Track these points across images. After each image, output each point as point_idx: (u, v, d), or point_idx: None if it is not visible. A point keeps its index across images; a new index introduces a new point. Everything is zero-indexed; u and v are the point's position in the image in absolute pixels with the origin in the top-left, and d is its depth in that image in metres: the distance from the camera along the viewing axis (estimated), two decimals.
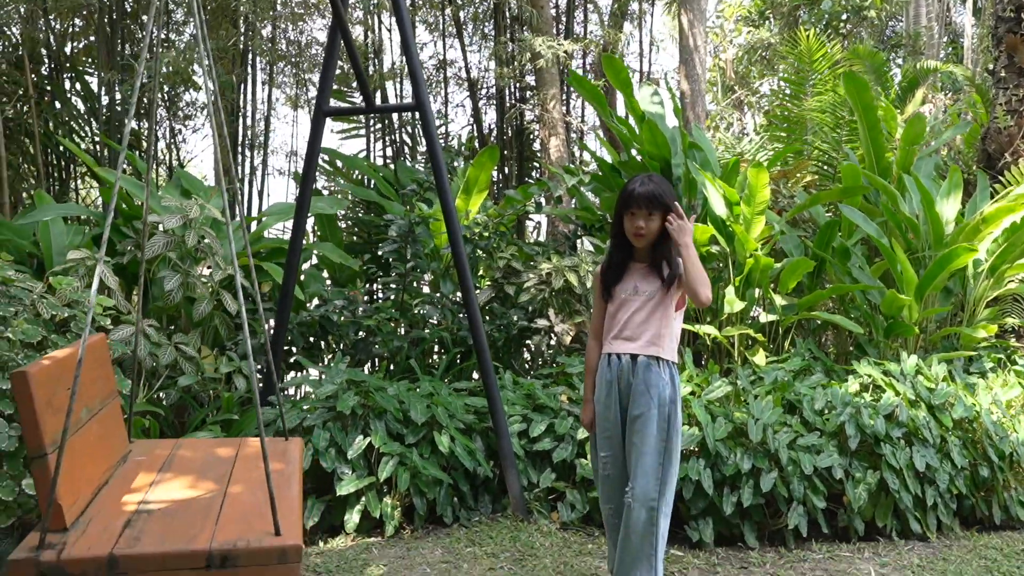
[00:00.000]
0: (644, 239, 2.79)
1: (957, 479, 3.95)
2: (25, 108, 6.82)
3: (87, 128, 7.44)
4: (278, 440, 3.30)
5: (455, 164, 5.84)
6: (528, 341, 5.47)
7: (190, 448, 3.10)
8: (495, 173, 8.72)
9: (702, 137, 6.04)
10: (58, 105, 7.27)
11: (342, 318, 5.05)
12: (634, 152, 6.04)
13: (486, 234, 5.42)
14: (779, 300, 5.19)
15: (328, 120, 4.60)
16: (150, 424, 4.09)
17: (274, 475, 2.76)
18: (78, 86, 7.50)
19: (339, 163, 7.71)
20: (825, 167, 7.04)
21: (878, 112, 5.94)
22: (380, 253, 5.34)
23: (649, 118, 5.89)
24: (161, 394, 4.54)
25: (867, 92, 5.88)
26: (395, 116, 8.33)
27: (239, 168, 7.77)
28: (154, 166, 7.99)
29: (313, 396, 3.95)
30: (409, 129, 8.53)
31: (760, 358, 4.92)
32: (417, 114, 4.22)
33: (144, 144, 7.47)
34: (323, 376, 4.35)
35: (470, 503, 4.00)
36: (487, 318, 5.44)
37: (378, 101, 7.98)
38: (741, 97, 12.31)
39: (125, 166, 6.61)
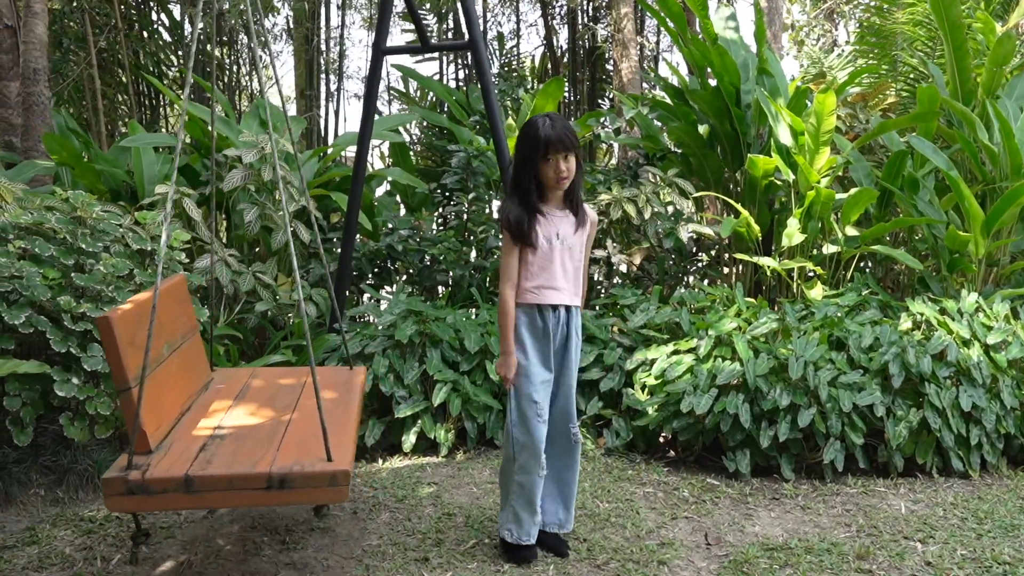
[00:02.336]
0: (568, 181, 2.73)
1: (1006, 419, 3.95)
2: (116, 39, 7.17)
3: (173, 58, 7.78)
4: (342, 369, 3.60)
5: (517, 94, 5.88)
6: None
7: (263, 377, 3.42)
8: (567, 94, 8.67)
9: (773, 60, 5.88)
10: (145, 36, 7.60)
11: (408, 246, 5.28)
12: (707, 78, 5.94)
13: None
14: (840, 232, 5.14)
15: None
16: (230, 348, 4.46)
17: (333, 403, 3.07)
18: (163, 17, 7.80)
19: (413, 86, 7.85)
20: (914, 87, 6.72)
21: (972, 25, 5.59)
22: (444, 183, 5.51)
23: (720, 43, 5.77)
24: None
25: (954, 6, 5.56)
26: (467, 36, 8.33)
27: (316, 94, 7.99)
28: (233, 93, 8.29)
29: (375, 325, 4.22)
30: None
31: (817, 292, 4.92)
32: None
33: (227, 74, 7.77)
34: (385, 305, 4.62)
35: None
36: None
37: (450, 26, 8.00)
38: (832, 5, 11.68)
39: (206, 96, 6.90)
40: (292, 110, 8.56)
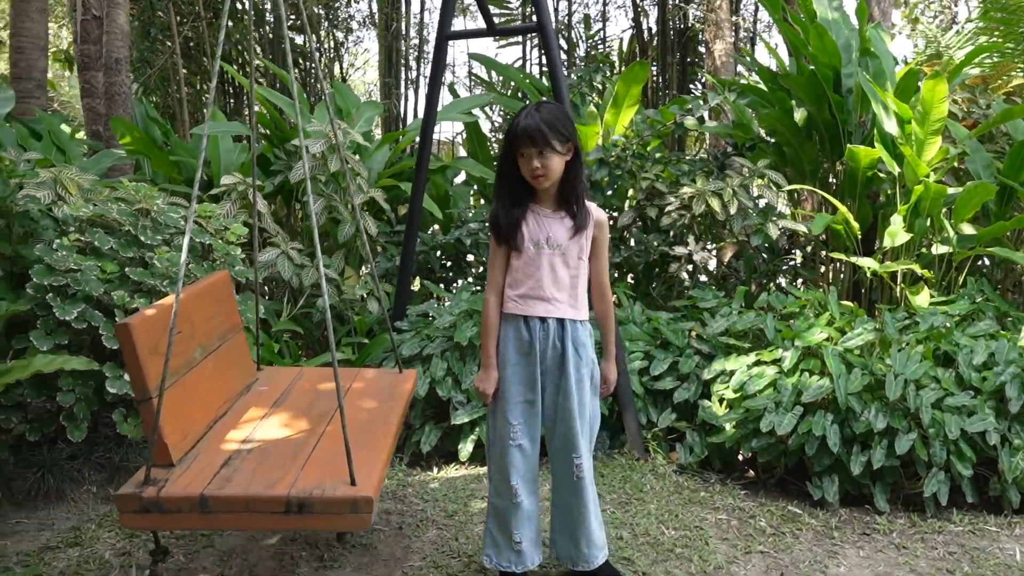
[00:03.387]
0: (546, 179, 2.42)
1: None
2: (200, 28, 7.22)
3: (257, 47, 7.78)
4: (391, 372, 3.40)
5: (596, 79, 5.56)
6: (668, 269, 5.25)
7: (308, 379, 3.26)
8: (656, 78, 8.27)
9: (877, 40, 5.35)
10: (229, 24, 7.64)
11: (477, 240, 5.07)
12: (805, 61, 5.47)
13: (624, 154, 5.17)
14: (952, 231, 4.62)
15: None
16: (289, 344, 4.35)
17: (371, 414, 2.87)
18: (247, 4, 7.82)
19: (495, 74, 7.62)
20: None
21: None
22: None
23: (820, 22, 5.29)
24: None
25: None
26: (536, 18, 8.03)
27: (395, 82, 7.87)
28: (316, 81, 8.25)
29: (434, 325, 4.02)
30: (567, 34, 8.22)
31: (923, 298, 4.43)
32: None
33: (308, 61, 7.74)
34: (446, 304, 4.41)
35: None
36: (629, 243, 5.27)
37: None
38: None
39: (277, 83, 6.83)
40: (377, 99, 8.49)
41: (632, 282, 5.38)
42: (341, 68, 8.64)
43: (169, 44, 6.81)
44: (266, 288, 5.10)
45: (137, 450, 3.58)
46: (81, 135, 6.90)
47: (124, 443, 3.58)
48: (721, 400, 3.83)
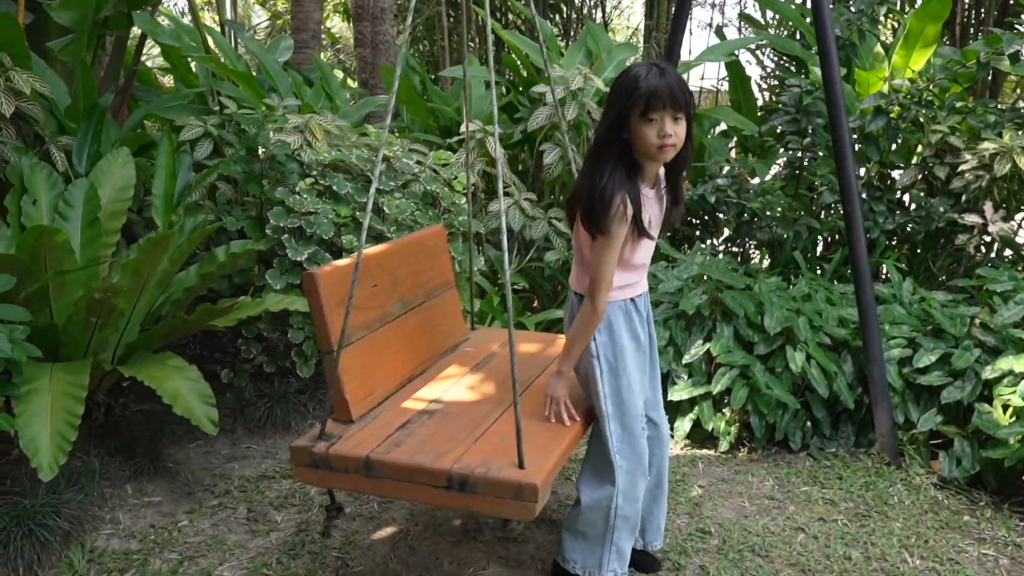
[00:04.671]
0: (675, 150, 2.07)
1: None
2: None
3: None
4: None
5: (880, 13, 4.73)
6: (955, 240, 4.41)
7: (518, 342, 3.08)
8: (967, 12, 7.00)
9: None
10: None
11: (723, 197, 4.60)
12: None
13: (909, 101, 4.37)
14: None
15: None
16: (514, 300, 4.24)
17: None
18: None
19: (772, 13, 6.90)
20: None
21: None
22: (774, 123, 4.68)
23: None
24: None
25: None
26: None
27: (655, 24, 7.42)
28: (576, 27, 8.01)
29: (659, 289, 3.69)
30: None
31: None
32: None
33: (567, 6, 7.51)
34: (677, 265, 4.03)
35: (825, 431, 3.46)
36: (907, 208, 4.51)
37: None
38: None
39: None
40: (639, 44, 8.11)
41: (905, 254, 4.61)
42: (603, 12, 8.33)
43: None
44: (483, 240, 5.03)
45: None
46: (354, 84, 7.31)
47: None
48: (1006, 407, 3.12)
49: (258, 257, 3.77)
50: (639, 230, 2.09)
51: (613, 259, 2.11)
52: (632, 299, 2.28)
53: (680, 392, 3.43)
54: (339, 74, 6.13)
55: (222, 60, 4.91)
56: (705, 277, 3.75)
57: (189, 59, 4.89)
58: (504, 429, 2.28)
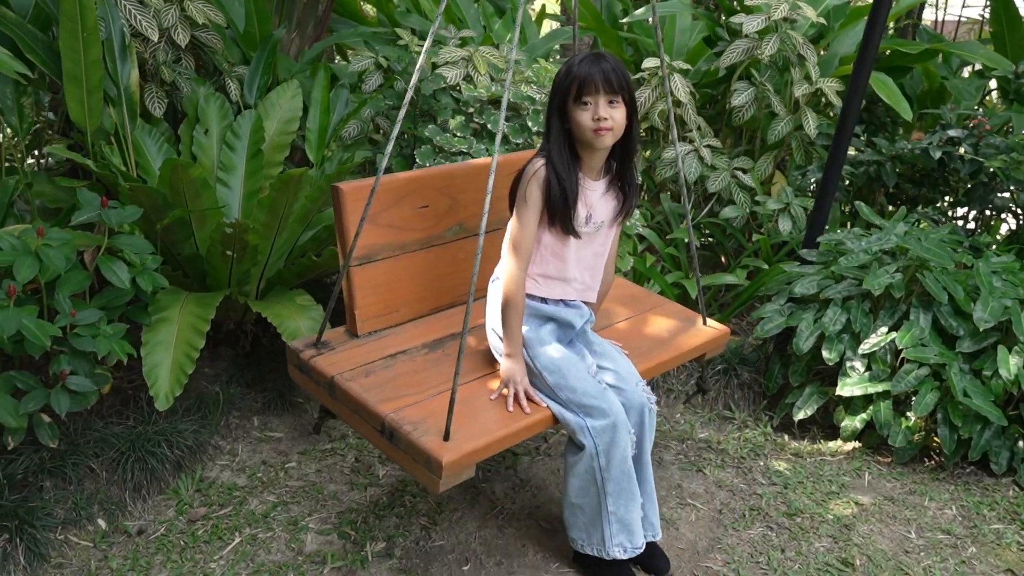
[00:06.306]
0: (611, 135, 2.01)
1: None
2: None
3: None
4: (692, 316, 2.65)
5: None
6: None
7: (614, 302, 2.71)
8: None
9: None
10: None
11: (950, 152, 3.80)
12: None
13: None
14: None
15: None
16: (678, 258, 3.82)
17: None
18: None
19: None
20: None
21: None
22: None
23: None
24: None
25: None
26: None
27: None
28: None
29: (842, 262, 3.10)
30: None
31: None
32: None
33: None
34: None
35: None
36: None
37: None
38: None
39: None
40: None
41: None
42: None
43: None
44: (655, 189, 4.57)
45: None
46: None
47: None
48: None
49: None
50: (552, 214, 2.03)
51: (523, 224, 2.05)
52: (563, 301, 2.19)
53: (852, 387, 2.89)
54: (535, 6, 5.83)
55: None
56: (903, 251, 3.11)
57: None
58: (472, 394, 2.11)
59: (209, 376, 3.17)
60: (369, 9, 6.58)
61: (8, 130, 3.22)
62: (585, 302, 2.27)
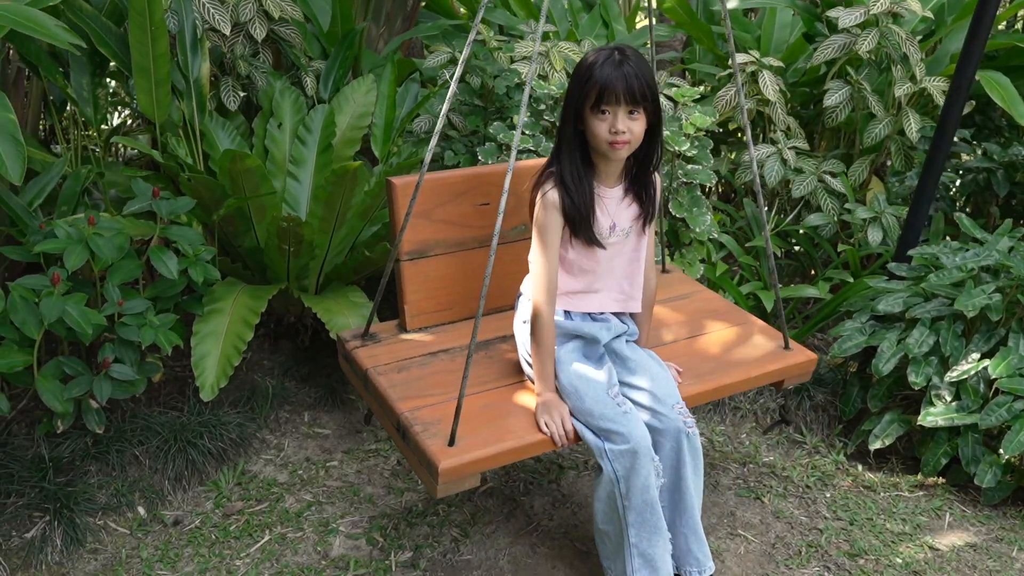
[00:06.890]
0: (628, 148, 1.87)
1: None
2: None
3: None
4: (775, 335, 2.41)
5: None
6: None
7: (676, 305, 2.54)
8: None
9: None
10: None
11: None
12: None
13: None
14: None
15: None
16: (756, 267, 3.58)
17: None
18: None
19: None
20: None
21: None
22: None
23: None
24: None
25: None
26: None
27: None
28: None
29: (933, 278, 2.81)
30: None
31: None
32: None
33: None
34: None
35: None
36: None
37: None
38: None
39: None
40: None
41: None
42: None
43: None
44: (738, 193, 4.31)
45: None
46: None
47: None
48: None
49: None
50: (572, 230, 1.92)
51: (546, 254, 1.93)
52: (590, 315, 2.07)
53: (937, 416, 2.61)
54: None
55: None
56: (1005, 269, 2.79)
57: None
58: (498, 400, 2.04)
59: (266, 368, 3.18)
60: (460, 5, 6.56)
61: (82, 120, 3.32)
62: (630, 313, 2.12)
